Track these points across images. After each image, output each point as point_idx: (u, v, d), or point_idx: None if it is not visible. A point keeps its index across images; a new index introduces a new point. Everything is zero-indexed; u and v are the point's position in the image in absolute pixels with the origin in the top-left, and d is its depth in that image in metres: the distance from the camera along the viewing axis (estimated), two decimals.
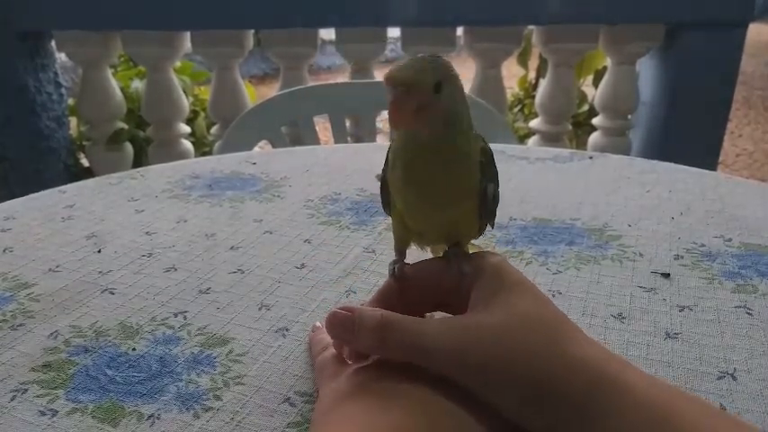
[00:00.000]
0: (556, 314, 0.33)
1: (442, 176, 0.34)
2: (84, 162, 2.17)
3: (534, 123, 2.02)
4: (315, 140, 1.15)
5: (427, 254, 0.41)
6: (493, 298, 0.32)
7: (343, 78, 1.96)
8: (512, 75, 2.72)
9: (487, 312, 0.32)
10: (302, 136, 1.17)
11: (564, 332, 0.31)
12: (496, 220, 0.39)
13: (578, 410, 0.28)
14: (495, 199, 0.38)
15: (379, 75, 1.93)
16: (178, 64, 2.16)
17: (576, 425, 0.28)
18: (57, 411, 0.37)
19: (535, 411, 0.29)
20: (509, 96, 2.18)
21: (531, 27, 1.93)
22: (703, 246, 0.57)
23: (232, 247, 0.58)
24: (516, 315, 0.31)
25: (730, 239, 0.58)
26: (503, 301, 0.32)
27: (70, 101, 2.20)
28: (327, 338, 0.37)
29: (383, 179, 0.39)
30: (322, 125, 1.16)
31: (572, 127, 2.07)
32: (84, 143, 2.16)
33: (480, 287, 0.33)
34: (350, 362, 0.35)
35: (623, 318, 0.46)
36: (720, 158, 2.36)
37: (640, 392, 0.28)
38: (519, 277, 0.34)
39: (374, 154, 0.84)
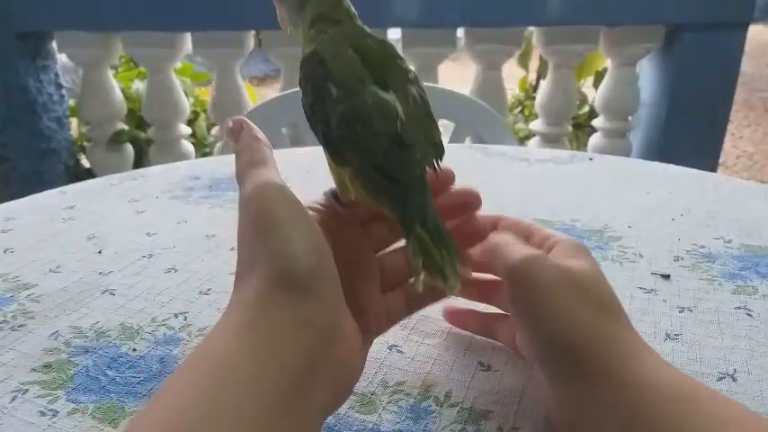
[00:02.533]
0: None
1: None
2: (85, 163, 2.17)
3: (534, 125, 2.03)
4: (315, 141, 1.15)
5: None
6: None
7: None
8: (512, 76, 2.72)
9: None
10: (303, 137, 1.17)
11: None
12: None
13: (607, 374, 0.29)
14: (311, 114, 0.35)
15: None
16: (179, 65, 2.17)
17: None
18: (57, 412, 0.37)
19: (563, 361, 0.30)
20: (509, 98, 2.18)
21: (531, 28, 1.93)
22: (703, 247, 0.57)
23: (233, 248, 0.59)
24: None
25: (730, 241, 0.58)
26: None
27: (71, 102, 2.21)
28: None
29: None
30: None
31: (572, 128, 2.08)
32: (85, 144, 2.16)
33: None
34: None
35: None
36: (721, 160, 2.36)
37: (665, 369, 0.29)
38: None
39: None
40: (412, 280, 0.31)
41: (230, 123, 0.36)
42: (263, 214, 0.30)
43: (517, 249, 0.34)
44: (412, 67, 0.38)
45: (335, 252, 0.32)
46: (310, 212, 0.35)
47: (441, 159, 0.34)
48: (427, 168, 0.33)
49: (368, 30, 0.37)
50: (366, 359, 0.34)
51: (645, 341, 0.31)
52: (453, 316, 0.44)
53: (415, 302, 0.38)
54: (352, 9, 0.38)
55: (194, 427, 0.23)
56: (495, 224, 0.40)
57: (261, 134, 0.35)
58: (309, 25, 0.38)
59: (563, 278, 0.32)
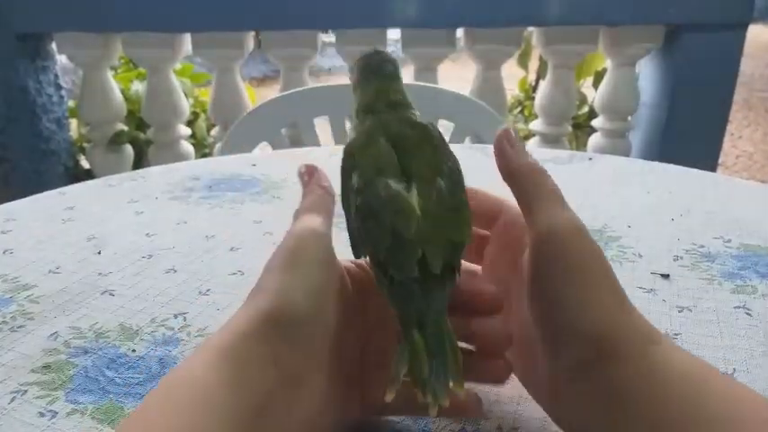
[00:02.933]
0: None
1: None
2: (85, 164, 2.17)
3: (534, 125, 2.03)
4: (315, 142, 1.15)
5: None
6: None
7: (343, 80, 1.96)
8: (512, 76, 2.72)
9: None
10: (302, 137, 1.17)
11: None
12: None
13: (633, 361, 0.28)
14: (342, 204, 0.35)
15: None
16: (178, 66, 2.17)
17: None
18: (56, 413, 0.37)
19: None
20: (509, 98, 2.18)
21: (531, 28, 1.93)
22: (703, 247, 0.57)
23: (232, 249, 0.59)
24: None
25: (730, 240, 0.59)
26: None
27: (71, 103, 2.21)
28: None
29: None
30: (322, 127, 1.16)
31: (572, 128, 2.08)
32: (85, 145, 2.16)
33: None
34: None
35: None
36: (720, 160, 2.36)
37: (679, 352, 0.29)
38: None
39: None
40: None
41: (303, 168, 0.37)
42: (291, 251, 0.32)
43: (561, 211, 0.32)
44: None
45: (362, 317, 0.33)
46: (348, 268, 0.35)
47: (457, 259, 0.31)
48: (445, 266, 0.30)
49: (415, 115, 0.37)
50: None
51: (652, 325, 0.30)
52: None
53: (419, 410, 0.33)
54: (399, 96, 0.37)
55: None
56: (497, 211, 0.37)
57: (328, 182, 0.37)
58: (355, 114, 0.38)
59: (598, 257, 0.31)
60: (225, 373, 0.27)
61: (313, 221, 0.33)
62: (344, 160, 0.35)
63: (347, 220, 0.34)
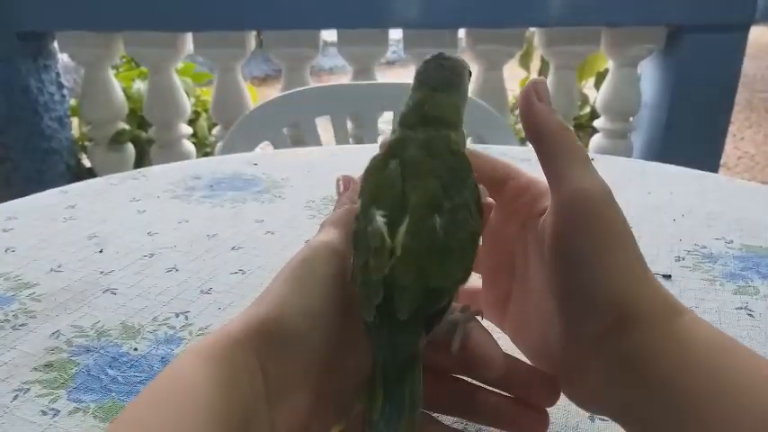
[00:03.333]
0: None
1: None
2: (86, 162, 2.17)
3: None
4: (316, 141, 1.15)
5: None
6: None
7: (344, 80, 1.96)
8: (513, 77, 2.72)
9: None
10: (304, 137, 1.17)
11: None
12: None
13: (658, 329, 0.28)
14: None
15: (380, 76, 1.94)
16: (180, 65, 2.17)
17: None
18: (58, 411, 0.37)
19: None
20: (510, 98, 2.18)
21: (532, 29, 1.93)
22: (705, 247, 0.57)
23: (233, 248, 0.59)
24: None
25: (731, 241, 0.58)
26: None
27: (72, 101, 2.21)
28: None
29: None
30: (323, 126, 1.16)
31: (574, 129, 2.07)
32: (86, 144, 2.16)
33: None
34: None
35: None
36: (722, 161, 2.36)
37: (703, 323, 0.28)
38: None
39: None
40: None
41: (340, 179, 0.37)
42: (299, 265, 0.31)
43: (589, 174, 0.30)
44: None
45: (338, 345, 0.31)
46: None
47: (433, 307, 0.28)
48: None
49: (447, 137, 0.32)
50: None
51: (674, 297, 0.30)
52: None
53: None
54: (437, 112, 0.33)
55: None
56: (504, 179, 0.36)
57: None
58: (397, 122, 0.34)
59: (624, 225, 0.30)
60: (214, 374, 0.27)
61: (331, 235, 0.33)
62: (363, 176, 0.33)
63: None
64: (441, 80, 0.35)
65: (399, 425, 0.27)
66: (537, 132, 0.31)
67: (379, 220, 0.29)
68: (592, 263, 0.28)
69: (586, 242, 0.29)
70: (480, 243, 0.33)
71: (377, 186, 0.31)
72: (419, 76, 0.35)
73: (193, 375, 0.27)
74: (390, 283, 0.28)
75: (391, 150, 0.32)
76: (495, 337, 0.31)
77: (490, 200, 0.36)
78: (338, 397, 0.32)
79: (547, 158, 0.31)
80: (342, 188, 0.36)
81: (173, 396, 0.26)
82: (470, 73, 0.37)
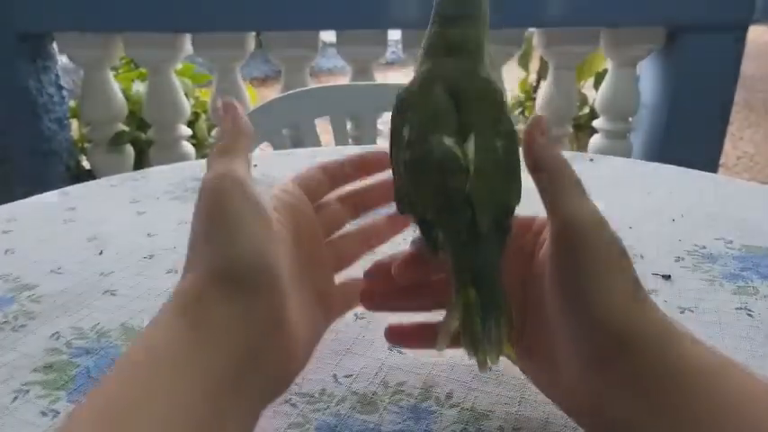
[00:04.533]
0: None
1: None
2: (86, 164, 2.17)
3: None
4: (316, 142, 1.15)
5: None
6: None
7: (344, 80, 1.96)
8: (513, 77, 2.72)
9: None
10: (303, 138, 1.17)
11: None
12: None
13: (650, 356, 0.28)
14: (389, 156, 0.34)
15: (380, 77, 1.94)
16: (179, 66, 2.17)
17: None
18: (58, 412, 0.37)
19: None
20: (510, 99, 2.18)
21: (531, 29, 1.93)
22: (704, 248, 0.57)
23: None
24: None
25: (731, 241, 0.59)
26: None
27: (72, 103, 2.21)
28: None
29: None
30: (323, 127, 1.16)
31: (573, 129, 2.08)
32: (86, 145, 2.16)
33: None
34: None
35: None
36: (721, 161, 2.36)
37: (698, 345, 0.29)
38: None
39: None
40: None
41: (220, 104, 0.36)
42: (215, 206, 0.30)
43: (583, 202, 0.31)
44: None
45: (293, 240, 0.33)
46: (276, 198, 0.36)
47: (507, 218, 0.32)
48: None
49: (476, 65, 0.34)
50: (314, 349, 0.35)
51: (674, 319, 0.30)
52: (401, 335, 0.38)
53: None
54: (458, 39, 0.35)
55: (128, 415, 0.23)
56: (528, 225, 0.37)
57: (244, 122, 0.35)
58: (421, 54, 0.36)
59: (618, 248, 0.30)
60: (192, 341, 0.27)
61: (227, 166, 0.32)
62: (397, 107, 0.34)
63: (393, 172, 0.34)
64: (453, 11, 0.36)
65: (499, 335, 0.29)
66: (534, 166, 0.33)
67: (450, 143, 0.31)
68: (585, 288, 0.29)
69: (578, 268, 0.30)
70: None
71: (431, 112, 0.32)
72: (437, 7, 0.36)
73: (172, 346, 0.26)
74: (468, 199, 0.30)
75: (429, 78, 0.34)
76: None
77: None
78: (320, 289, 0.35)
79: (543, 191, 0.33)
80: (222, 114, 0.35)
81: (158, 367, 0.26)
82: None
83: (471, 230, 0.30)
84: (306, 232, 0.36)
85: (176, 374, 0.25)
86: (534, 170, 0.33)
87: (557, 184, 0.32)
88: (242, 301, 0.28)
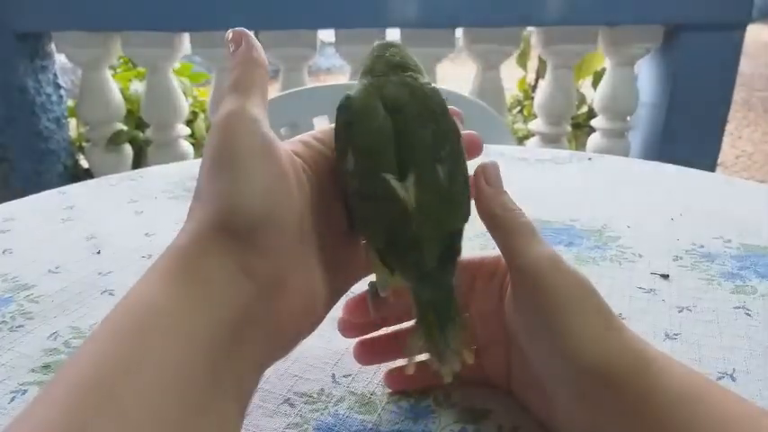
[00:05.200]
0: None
1: None
2: (84, 163, 2.17)
3: (533, 125, 2.03)
4: None
5: None
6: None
7: (342, 80, 1.96)
8: (511, 76, 2.72)
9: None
10: None
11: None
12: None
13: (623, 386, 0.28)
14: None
15: None
16: (177, 65, 2.16)
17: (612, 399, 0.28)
18: None
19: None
20: (508, 98, 2.18)
21: (530, 28, 1.93)
22: (702, 247, 0.57)
23: None
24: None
25: (729, 240, 0.59)
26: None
27: (70, 102, 2.21)
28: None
29: None
30: (321, 126, 1.16)
31: (571, 128, 2.08)
32: (84, 144, 2.16)
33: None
34: None
35: (623, 318, 0.46)
36: (720, 160, 2.36)
37: (676, 369, 0.29)
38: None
39: None
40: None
41: (230, 35, 0.33)
42: (222, 146, 0.28)
43: (533, 246, 0.31)
44: None
45: (314, 191, 0.31)
46: (302, 143, 0.33)
47: (454, 249, 0.32)
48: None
49: (415, 78, 0.34)
50: (325, 315, 0.33)
51: (644, 340, 0.31)
52: (398, 380, 0.38)
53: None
54: (398, 58, 0.35)
55: (115, 380, 0.21)
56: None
57: (258, 53, 0.32)
58: (360, 75, 0.36)
59: (578, 283, 0.31)
60: (185, 296, 0.24)
61: (241, 104, 0.29)
62: (339, 126, 0.33)
63: (342, 184, 0.32)
64: (390, 43, 0.37)
65: (458, 346, 0.30)
66: (485, 216, 0.33)
67: (394, 182, 0.31)
68: (548, 331, 0.30)
69: (538, 312, 0.30)
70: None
71: (372, 139, 0.31)
72: (372, 51, 0.36)
73: (162, 301, 0.24)
74: (415, 238, 0.30)
75: (371, 93, 0.33)
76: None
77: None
78: (336, 258, 0.32)
79: (497, 237, 0.33)
80: (233, 45, 0.32)
81: (145, 326, 0.23)
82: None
83: (421, 265, 0.31)
84: (330, 185, 0.32)
85: (168, 334, 0.23)
86: (485, 221, 0.33)
87: (508, 234, 0.32)
88: (244, 257, 0.26)
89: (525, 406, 0.36)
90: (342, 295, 0.35)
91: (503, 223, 0.33)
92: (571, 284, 0.30)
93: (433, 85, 0.34)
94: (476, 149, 0.36)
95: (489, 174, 0.34)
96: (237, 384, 0.26)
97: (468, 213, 0.33)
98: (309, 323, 0.32)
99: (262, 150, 0.28)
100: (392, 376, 0.38)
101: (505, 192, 0.34)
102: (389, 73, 0.34)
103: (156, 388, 0.22)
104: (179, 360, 0.23)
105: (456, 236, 0.32)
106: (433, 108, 0.33)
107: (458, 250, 0.32)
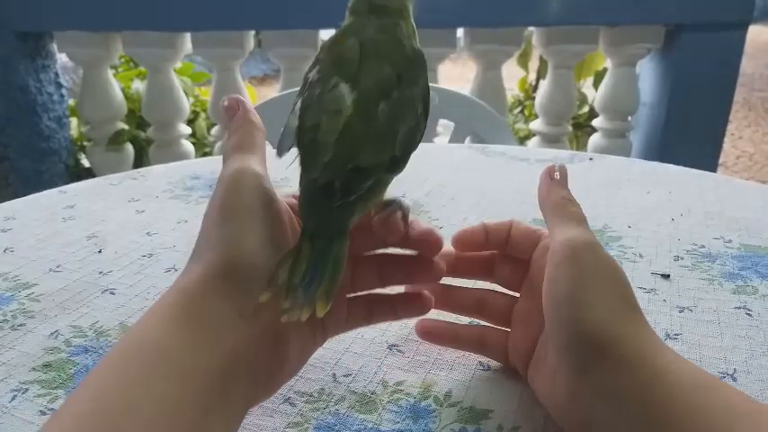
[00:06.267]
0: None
1: None
2: (85, 162, 2.17)
3: (534, 125, 2.03)
4: None
5: None
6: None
7: None
8: (512, 76, 2.72)
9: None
10: None
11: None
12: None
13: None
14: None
15: None
16: (179, 65, 2.17)
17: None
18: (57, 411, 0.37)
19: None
20: (509, 98, 2.18)
21: (531, 28, 1.93)
22: (703, 247, 0.57)
23: None
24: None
25: (730, 241, 0.59)
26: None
27: (71, 101, 2.21)
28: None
29: None
30: None
31: (572, 128, 2.08)
32: (85, 144, 2.16)
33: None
34: None
35: None
36: (720, 160, 2.36)
37: (683, 363, 0.30)
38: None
39: None
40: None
41: (226, 102, 0.36)
42: (228, 200, 0.31)
43: (578, 230, 0.33)
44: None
45: None
46: (290, 204, 0.35)
47: (359, 183, 0.30)
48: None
49: (399, 26, 0.35)
50: (308, 358, 0.35)
51: (660, 339, 0.31)
52: (431, 334, 0.41)
53: (379, 315, 0.39)
54: (393, 3, 0.36)
55: (119, 413, 0.23)
56: (506, 230, 0.39)
57: (255, 117, 0.35)
58: (346, 15, 0.36)
59: (610, 268, 0.32)
60: (183, 335, 0.27)
61: (245, 161, 0.32)
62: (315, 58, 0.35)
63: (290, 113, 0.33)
64: None
65: (316, 292, 0.28)
66: (545, 201, 0.36)
67: (344, 88, 0.31)
68: (573, 300, 0.31)
69: (569, 282, 0.31)
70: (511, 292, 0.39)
71: (338, 58, 0.33)
72: None
73: (162, 339, 0.26)
74: (330, 150, 0.30)
75: (348, 30, 0.34)
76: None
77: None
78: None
79: (549, 222, 0.35)
80: (231, 111, 0.35)
81: (144, 363, 0.25)
82: None
83: (309, 173, 0.30)
84: None
85: (169, 373, 0.25)
86: (543, 209, 0.36)
87: (558, 218, 0.34)
88: (240, 301, 0.28)
89: (531, 383, 0.36)
90: (319, 345, 0.36)
91: (557, 209, 0.35)
92: (603, 266, 0.32)
93: (415, 44, 0.35)
94: (431, 246, 0.37)
95: (558, 171, 0.37)
96: (225, 424, 0.27)
97: (391, 165, 0.32)
98: (295, 368, 0.34)
99: (264, 204, 0.31)
100: (422, 326, 0.40)
101: (568, 188, 0.36)
102: (369, 14, 0.35)
103: (154, 423, 0.24)
104: (176, 398, 0.25)
105: (361, 176, 0.30)
106: (408, 56, 0.34)
107: (359, 195, 0.30)
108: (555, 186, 0.36)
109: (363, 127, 0.31)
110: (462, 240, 0.39)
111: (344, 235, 0.30)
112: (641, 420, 0.27)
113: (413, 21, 0.36)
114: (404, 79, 0.32)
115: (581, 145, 2.27)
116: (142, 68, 2.24)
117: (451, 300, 0.40)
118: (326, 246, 0.29)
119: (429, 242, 0.36)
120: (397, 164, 0.32)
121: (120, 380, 0.25)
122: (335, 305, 0.34)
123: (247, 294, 0.29)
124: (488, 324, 0.41)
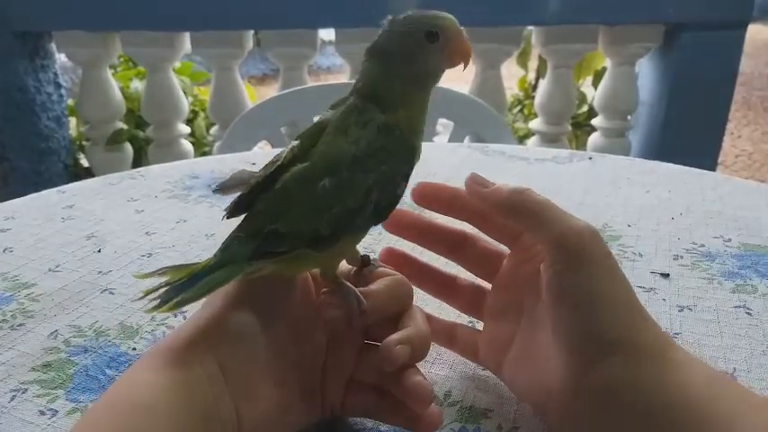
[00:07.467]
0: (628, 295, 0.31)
1: None
2: (84, 162, 2.17)
3: (534, 124, 2.02)
4: None
5: None
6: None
7: (342, 79, 1.96)
8: (511, 75, 2.72)
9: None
10: None
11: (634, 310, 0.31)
12: None
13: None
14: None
15: None
16: (178, 64, 2.16)
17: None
18: (57, 411, 0.37)
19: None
20: (508, 97, 2.18)
21: (530, 28, 1.93)
22: (703, 246, 0.57)
23: None
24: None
25: (730, 240, 0.59)
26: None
27: (70, 101, 2.20)
28: None
29: None
30: None
31: (571, 128, 2.08)
32: (84, 143, 2.16)
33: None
34: None
35: None
36: (720, 159, 2.36)
37: (695, 359, 0.30)
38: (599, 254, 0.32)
39: None
40: None
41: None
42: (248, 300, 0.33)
43: (567, 216, 0.32)
44: None
45: (319, 330, 0.35)
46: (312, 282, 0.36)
47: (271, 244, 0.31)
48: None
49: (367, 111, 0.35)
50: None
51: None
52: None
53: (380, 412, 0.35)
54: (365, 89, 0.37)
55: None
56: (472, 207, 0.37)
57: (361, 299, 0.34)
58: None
59: (611, 259, 0.31)
60: (171, 377, 0.28)
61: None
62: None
63: None
64: (377, 48, 0.39)
65: (176, 297, 0.29)
66: (503, 208, 0.33)
67: (294, 144, 0.34)
68: (584, 294, 0.30)
69: (578, 276, 0.30)
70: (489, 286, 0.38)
71: (306, 129, 0.35)
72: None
73: (151, 378, 0.28)
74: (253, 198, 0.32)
75: (332, 107, 0.36)
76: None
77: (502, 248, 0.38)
78: (305, 387, 0.33)
79: (526, 223, 0.33)
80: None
81: (131, 399, 0.27)
82: (435, 35, 0.38)
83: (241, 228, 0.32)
84: (307, 312, 0.35)
85: (156, 413, 0.27)
86: (506, 214, 0.33)
87: (536, 211, 0.32)
88: (221, 356, 0.30)
89: (511, 388, 0.36)
90: (303, 424, 0.34)
91: (521, 204, 0.33)
92: (610, 257, 0.31)
93: (415, 132, 0.34)
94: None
95: (479, 179, 0.35)
96: None
97: (312, 240, 0.31)
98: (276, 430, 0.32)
99: (277, 283, 0.33)
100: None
101: (504, 183, 0.34)
102: (351, 97, 0.36)
103: None
104: None
105: (277, 241, 0.31)
106: (377, 145, 0.33)
107: (269, 258, 0.31)
108: (494, 188, 0.34)
109: (297, 194, 0.31)
110: (423, 195, 0.38)
111: (236, 273, 0.31)
112: (652, 417, 0.27)
113: (422, 115, 0.35)
114: (359, 162, 0.32)
115: (580, 144, 2.27)
116: (141, 68, 2.24)
117: (423, 277, 0.40)
118: (218, 269, 0.30)
119: (416, 399, 0.32)
120: (323, 242, 0.31)
121: (111, 419, 0.27)
122: (335, 386, 0.34)
123: (229, 352, 0.30)
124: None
